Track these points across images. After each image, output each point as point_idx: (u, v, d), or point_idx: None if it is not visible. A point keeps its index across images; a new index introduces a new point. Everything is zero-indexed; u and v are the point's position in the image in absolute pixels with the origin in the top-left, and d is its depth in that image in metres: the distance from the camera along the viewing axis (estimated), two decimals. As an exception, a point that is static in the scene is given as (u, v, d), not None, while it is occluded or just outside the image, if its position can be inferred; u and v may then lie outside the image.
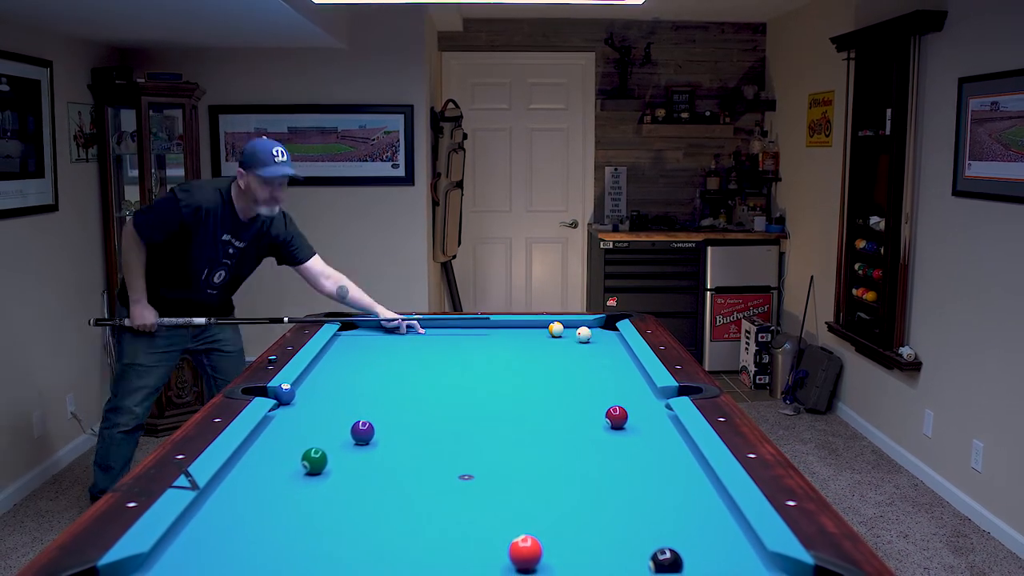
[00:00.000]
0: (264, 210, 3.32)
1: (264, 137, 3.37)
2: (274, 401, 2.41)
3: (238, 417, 2.22)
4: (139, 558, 1.49)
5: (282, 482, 1.89)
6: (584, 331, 3.25)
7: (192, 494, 1.74)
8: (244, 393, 2.45)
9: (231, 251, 3.43)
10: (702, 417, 2.20)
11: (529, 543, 1.47)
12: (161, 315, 3.45)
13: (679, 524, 1.69)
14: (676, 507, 1.77)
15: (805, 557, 1.46)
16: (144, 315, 3.40)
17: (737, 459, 1.91)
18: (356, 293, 3.54)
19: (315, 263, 3.58)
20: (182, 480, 1.78)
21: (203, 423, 2.19)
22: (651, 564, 1.45)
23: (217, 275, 3.46)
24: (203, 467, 1.87)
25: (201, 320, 3.48)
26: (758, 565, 1.50)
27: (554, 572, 1.48)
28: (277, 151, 3.25)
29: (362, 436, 2.11)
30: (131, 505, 1.68)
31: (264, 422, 2.26)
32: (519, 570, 1.47)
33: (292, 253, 3.54)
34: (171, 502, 1.69)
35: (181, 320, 3.46)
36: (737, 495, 1.72)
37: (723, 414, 2.24)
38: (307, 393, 2.58)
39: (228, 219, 3.35)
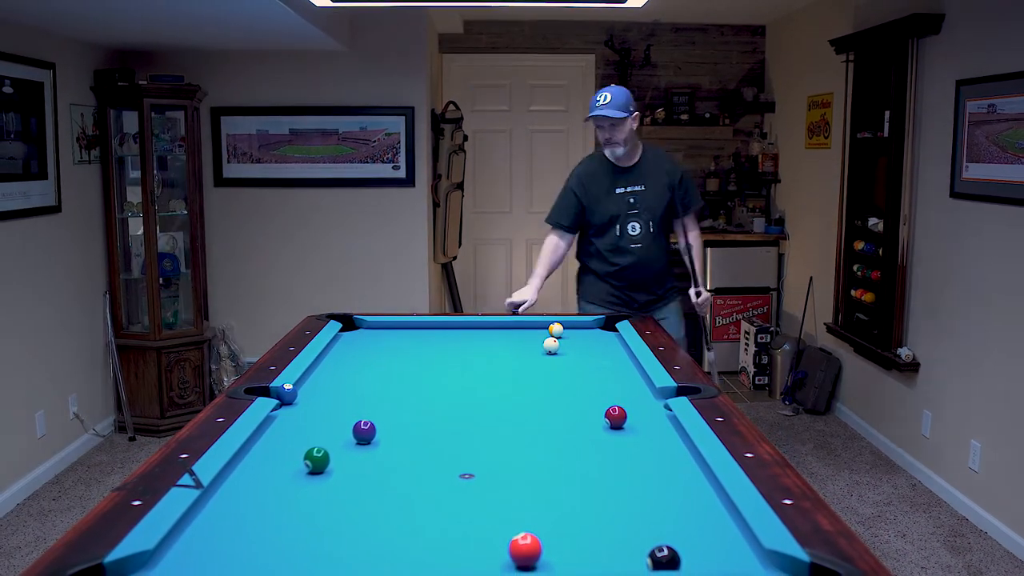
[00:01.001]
0: (608, 151, 3.61)
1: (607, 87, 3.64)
2: (276, 401, 2.43)
3: (241, 417, 2.23)
4: (144, 555, 1.50)
5: (285, 481, 1.91)
6: (550, 342, 3.03)
7: (196, 493, 1.76)
8: (247, 393, 2.47)
9: (632, 200, 3.63)
10: (700, 417, 2.21)
11: (529, 540, 1.49)
12: (602, 286, 3.71)
13: (677, 522, 1.71)
14: (674, 505, 1.79)
15: (801, 555, 1.48)
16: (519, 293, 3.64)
17: (734, 458, 1.92)
18: (693, 255, 3.72)
19: (690, 218, 3.79)
20: (186, 479, 1.81)
21: (207, 423, 2.21)
22: (649, 561, 1.47)
23: (631, 227, 3.63)
24: (207, 466, 1.89)
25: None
26: (754, 563, 1.52)
27: (554, 569, 1.50)
28: (602, 96, 3.51)
29: (364, 435, 2.13)
30: (136, 503, 1.69)
31: (267, 422, 2.28)
32: (519, 567, 1.49)
33: (680, 200, 3.69)
34: (175, 500, 1.71)
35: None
36: (734, 494, 1.74)
37: (721, 414, 2.25)
38: (309, 393, 2.59)
39: (610, 172, 3.64)
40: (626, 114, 3.53)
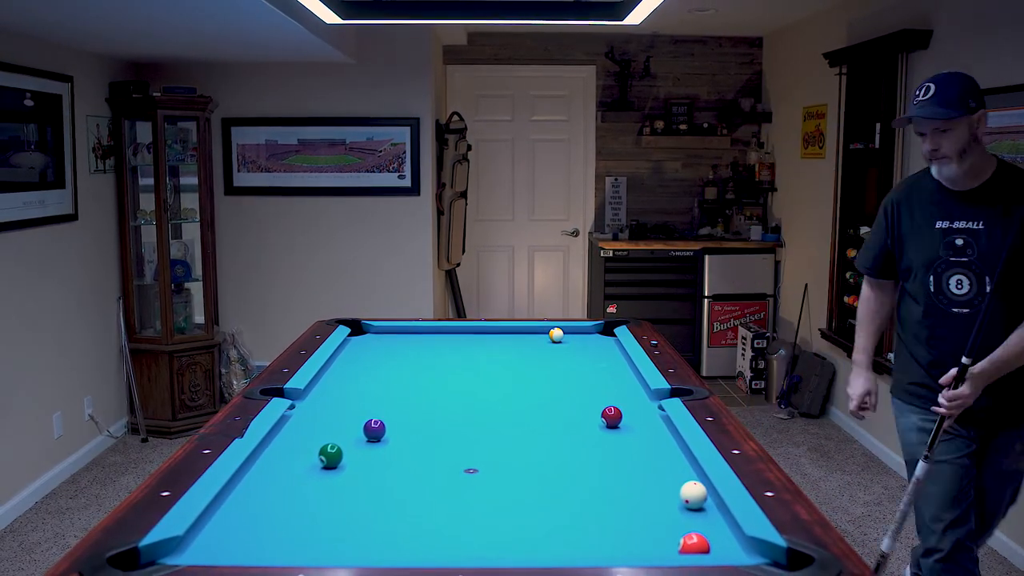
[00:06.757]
0: (933, 168, 2.50)
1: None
2: (290, 401, 2.56)
3: (258, 415, 2.37)
4: (174, 540, 1.64)
5: (301, 475, 2.04)
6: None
7: (219, 486, 1.89)
8: (262, 394, 2.60)
9: (959, 242, 2.48)
10: (691, 417, 2.34)
11: (695, 539, 1.61)
12: (908, 370, 2.65)
13: (667, 513, 1.83)
14: (665, 498, 1.91)
15: (779, 541, 1.60)
16: (852, 383, 2.82)
17: (722, 455, 2.05)
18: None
19: None
20: None
21: (224, 422, 2.34)
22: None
23: (954, 281, 2.50)
24: (228, 461, 2.02)
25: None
26: (737, 548, 1.65)
27: (553, 556, 1.63)
28: (923, 88, 2.43)
29: (374, 433, 2.25)
30: (164, 494, 1.83)
31: (282, 420, 2.41)
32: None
33: None
34: (201, 492, 1.84)
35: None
36: (721, 487, 1.87)
37: (711, 414, 2.38)
38: (321, 393, 2.72)
39: (937, 197, 2.52)
40: (957, 113, 2.37)
